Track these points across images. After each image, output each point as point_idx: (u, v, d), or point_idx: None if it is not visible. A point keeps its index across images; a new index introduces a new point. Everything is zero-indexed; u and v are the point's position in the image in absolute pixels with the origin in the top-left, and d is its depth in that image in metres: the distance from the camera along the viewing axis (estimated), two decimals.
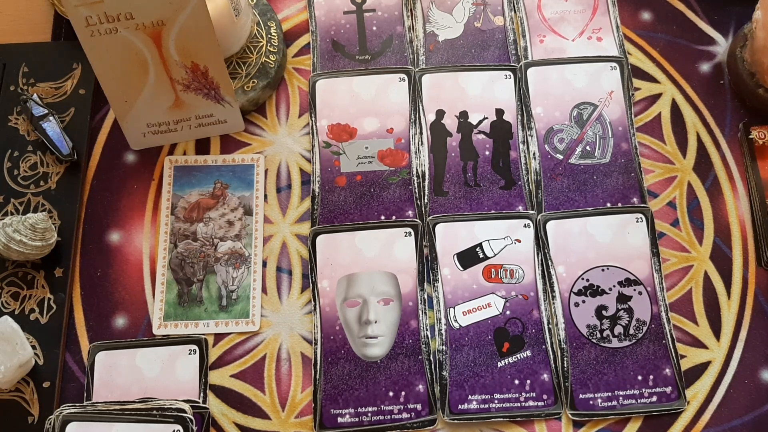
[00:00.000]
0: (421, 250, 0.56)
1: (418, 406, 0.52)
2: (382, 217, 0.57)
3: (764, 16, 0.56)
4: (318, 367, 0.53)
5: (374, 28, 0.64)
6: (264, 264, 0.57)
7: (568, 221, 0.57)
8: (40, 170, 0.59)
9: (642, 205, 0.57)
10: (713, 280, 0.56)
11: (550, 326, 0.54)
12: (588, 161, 0.59)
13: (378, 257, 0.56)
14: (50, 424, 0.50)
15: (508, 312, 0.54)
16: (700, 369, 0.53)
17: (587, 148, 0.59)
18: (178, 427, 0.49)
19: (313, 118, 0.60)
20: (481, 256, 0.56)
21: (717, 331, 0.55)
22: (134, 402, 0.51)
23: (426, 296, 0.55)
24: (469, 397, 0.52)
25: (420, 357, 0.53)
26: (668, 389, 0.52)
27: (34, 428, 0.51)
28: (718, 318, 0.55)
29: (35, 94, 0.60)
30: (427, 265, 0.56)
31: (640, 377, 0.53)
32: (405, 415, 0.52)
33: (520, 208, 0.57)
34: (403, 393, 0.52)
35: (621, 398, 0.52)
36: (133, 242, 0.57)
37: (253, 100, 0.60)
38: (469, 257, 0.56)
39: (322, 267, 0.55)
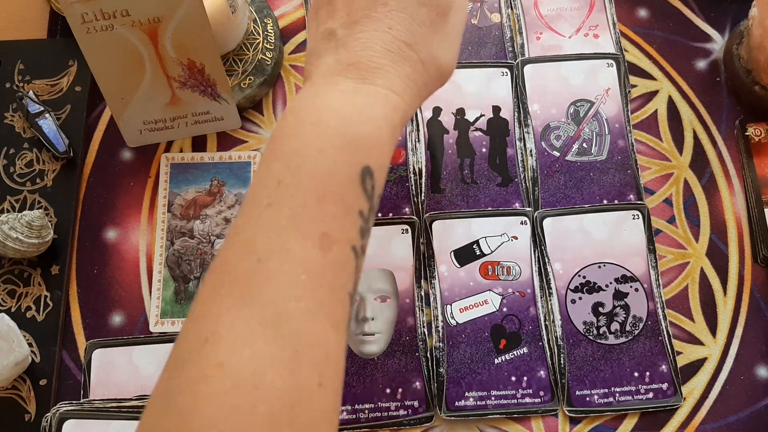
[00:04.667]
0: (418, 247, 0.56)
1: (415, 403, 0.52)
2: (379, 215, 0.57)
3: (760, 14, 0.56)
4: None
5: None
6: None
7: (565, 218, 0.57)
8: (36, 168, 0.58)
9: (638, 202, 0.57)
10: (709, 276, 0.56)
11: (547, 323, 0.54)
12: (585, 158, 0.59)
13: (375, 254, 0.56)
14: (47, 422, 0.50)
15: (504, 309, 0.54)
16: (696, 365, 0.54)
17: (584, 145, 0.59)
18: None
19: None
20: (477, 253, 0.56)
21: (713, 328, 0.55)
22: (131, 399, 0.51)
23: (423, 293, 0.55)
24: (466, 393, 0.52)
25: (417, 354, 0.53)
26: (664, 386, 0.53)
27: (30, 426, 0.51)
28: (714, 314, 0.55)
29: (31, 91, 0.60)
30: (424, 262, 0.56)
31: (636, 374, 0.53)
32: (402, 412, 0.52)
33: (517, 205, 0.58)
34: (400, 390, 0.52)
35: (617, 395, 0.52)
36: (129, 240, 0.57)
37: (250, 98, 0.60)
38: (466, 254, 0.56)
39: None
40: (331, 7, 0.44)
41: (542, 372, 0.53)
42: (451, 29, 0.45)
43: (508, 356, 0.53)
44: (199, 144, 0.60)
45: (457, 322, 0.54)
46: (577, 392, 0.52)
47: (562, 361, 0.53)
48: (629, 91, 0.61)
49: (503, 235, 0.56)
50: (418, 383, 0.53)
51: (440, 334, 0.54)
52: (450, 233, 0.56)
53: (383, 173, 0.40)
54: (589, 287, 0.55)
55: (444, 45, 0.44)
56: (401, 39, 0.42)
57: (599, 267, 0.55)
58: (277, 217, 0.36)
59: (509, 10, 0.64)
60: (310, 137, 0.38)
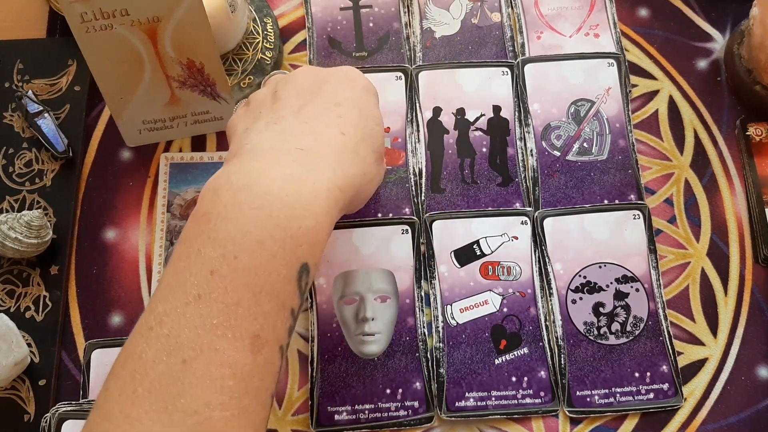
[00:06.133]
0: (418, 247, 0.56)
1: (416, 404, 0.52)
2: (379, 215, 0.57)
3: (761, 13, 0.56)
4: (315, 364, 0.53)
5: (371, 25, 0.63)
6: None
7: (566, 218, 0.57)
8: (35, 167, 0.58)
9: (639, 202, 0.57)
10: (710, 276, 0.56)
11: (547, 323, 0.54)
12: (585, 158, 0.59)
13: (375, 255, 0.55)
14: (46, 422, 0.50)
15: (505, 309, 0.54)
16: (697, 366, 0.54)
17: (584, 144, 0.59)
18: None
19: None
20: (478, 253, 0.56)
21: (714, 328, 0.55)
22: None
23: (423, 293, 0.55)
24: (467, 394, 0.52)
25: (417, 354, 0.53)
26: (665, 386, 0.52)
27: (29, 426, 0.51)
28: (715, 315, 0.55)
29: (30, 91, 0.60)
30: (424, 263, 0.56)
31: (637, 374, 0.53)
32: (402, 413, 0.52)
33: (518, 205, 0.57)
34: (400, 390, 0.52)
35: (618, 395, 0.52)
36: (128, 240, 0.57)
37: None
38: (466, 254, 0.56)
39: (319, 264, 0.55)
40: (278, 104, 0.43)
41: (543, 372, 0.53)
42: (379, 172, 0.45)
43: (508, 357, 0.53)
44: (198, 144, 0.60)
45: (457, 323, 0.54)
46: (578, 393, 0.52)
47: (562, 362, 0.53)
48: (630, 91, 0.61)
49: (503, 235, 0.56)
50: (418, 384, 0.52)
51: (440, 335, 0.54)
52: (450, 233, 0.56)
53: (316, 269, 0.39)
54: (590, 287, 0.55)
55: (377, 177, 0.44)
56: (351, 146, 0.41)
57: (600, 267, 0.55)
58: (208, 312, 0.33)
59: (509, 9, 0.64)
60: (250, 225, 0.35)
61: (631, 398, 0.52)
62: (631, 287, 0.55)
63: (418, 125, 0.60)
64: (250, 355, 0.33)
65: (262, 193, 0.36)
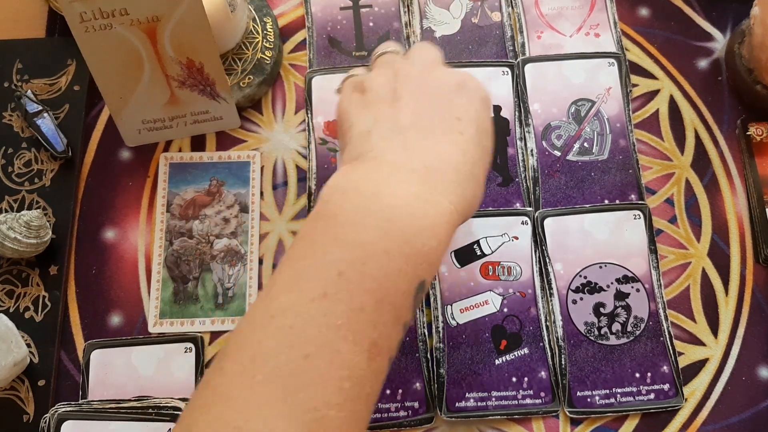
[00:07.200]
0: None
1: (416, 404, 0.52)
2: None
3: (762, 13, 0.56)
4: None
5: (371, 24, 0.63)
6: (260, 262, 0.56)
7: (566, 218, 0.56)
8: (34, 167, 0.58)
9: (640, 202, 0.57)
10: (711, 277, 0.56)
11: (548, 323, 0.54)
12: (586, 158, 0.59)
13: None
14: (45, 422, 0.50)
15: (505, 309, 0.54)
16: (698, 366, 0.53)
17: (585, 144, 0.59)
18: (174, 425, 0.49)
19: (310, 115, 0.60)
20: (478, 253, 0.56)
21: (715, 329, 0.54)
22: (130, 400, 0.51)
23: None
24: (467, 395, 0.52)
25: (417, 355, 0.53)
26: (666, 386, 0.52)
27: (29, 427, 0.51)
28: (716, 315, 0.55)
29: (29, 91, 0.59)
30: None
31: (637, 374, 0.52)
32: (402, 413, 0.52)
33: (518, 205, 0.57)
34: (400, 391, 0.52)
35: (618, 396, 0.52)
36: (128, 240, 0.57)
37: (249, 97, 0.60)
38: (466, 254, 0.56)
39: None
40: (397, 106, 0.42)
41: (543, 373, 0.53)
42: (484, 191, 0.44)
43: (508, 357, 0.53)
44: (198, 143, 0.60)
45: (457, 323, 0.54)
46: (578, 393, 0.52)
47: (563, 362, 0.53)
48: (630, 91, 0.61)
49: (504, 235, 0.56)
50: (418, 384, 0.52)
51: (440, 335, 0.53)
52: None
53: (428, 289, 0.39)
54: (590, 287, 0.55)
55: (483, 196, 0.43)
56: (470, 167, 0.41)
57: (600, 267, 0.55)
58: (332, 312, 0.34)
59: (510, 8, 0.64)
60: (380, 234, 0.36)
61: (631, 399, 0.52)
62: (632, 287, 0.55)
63: None
64: (366, 361, 0.34)
65: (391, 206, 0.37)
